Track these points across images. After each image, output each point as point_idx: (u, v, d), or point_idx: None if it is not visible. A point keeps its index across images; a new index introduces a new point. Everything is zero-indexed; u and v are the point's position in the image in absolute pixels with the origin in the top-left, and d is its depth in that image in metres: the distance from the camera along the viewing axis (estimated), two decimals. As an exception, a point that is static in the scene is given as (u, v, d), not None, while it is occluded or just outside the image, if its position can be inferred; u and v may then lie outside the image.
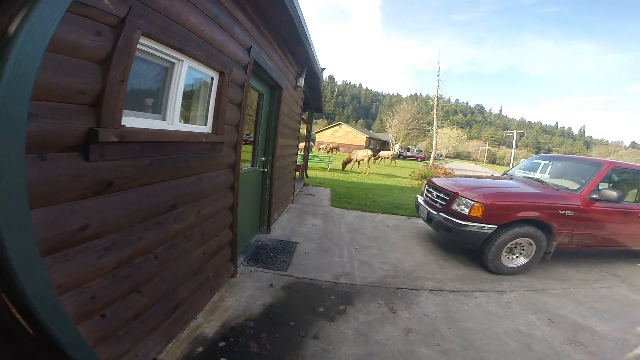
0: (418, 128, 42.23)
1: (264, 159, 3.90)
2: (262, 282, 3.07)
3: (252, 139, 3.68)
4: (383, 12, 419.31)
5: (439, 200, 4.35)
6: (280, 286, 3.05)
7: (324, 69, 6.53)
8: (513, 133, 53.89)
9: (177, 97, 1.74)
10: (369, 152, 15.47)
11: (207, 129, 2.08)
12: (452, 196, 4.06)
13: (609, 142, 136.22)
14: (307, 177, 9.59)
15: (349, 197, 7.88)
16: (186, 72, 1.80)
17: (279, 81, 3.79)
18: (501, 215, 3.72)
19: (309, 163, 14.48)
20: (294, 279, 3.25)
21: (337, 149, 31.77)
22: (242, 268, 3.32)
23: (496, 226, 3.72)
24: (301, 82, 5.17)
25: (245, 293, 2.85)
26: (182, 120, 1.90)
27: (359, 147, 35.80)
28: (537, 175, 5.36)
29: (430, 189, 4.74)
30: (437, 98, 17.67)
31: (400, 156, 40.06)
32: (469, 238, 3.81)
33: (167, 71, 1.73)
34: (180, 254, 1.95)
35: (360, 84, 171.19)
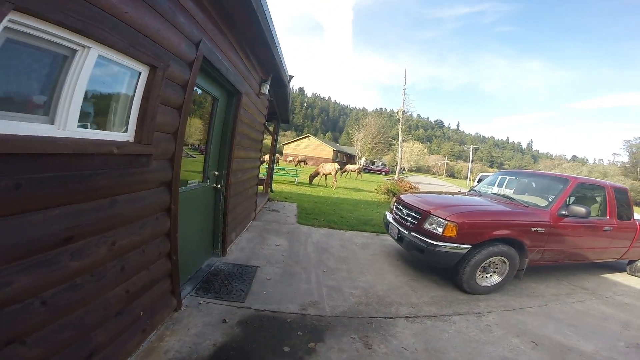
0: (383, 142, 43.33)
1: (217, 173, 3.41)
2: (214, 317, 2.59)
3: (204, 150, 3.20)
4: (355, 27, 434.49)
5: (409, 219, 4.10)
6: (236, 321, 2.58)
7: (292, 76, 6.21)
8: (470, 148, 57.40)
9: (75, 93, 1.26)
10: (336, 166, 15.32)
11: (127, 136, 1.59)
12: (424, 215, 3.83)
13: (553, 155, 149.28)
14: (271, 191, 9.09)
15: (317, 213, 7.50)
16: (93, 62, 1.34)
17: (238, 85, 3.37)
18: (475, 235, 3.54)
19: (275, 176, 13.97)
20: (253, 311, 2.78)
21: (304, 161, 31.55)
22: (189, 299, 2.81)
23: (470, 246, 3.55)
24: (265, 89, 4.79)
25: (192, 331, 2.36)
26: (91, 125, 1.42)
27: (326, 160, 35.91)
28: (502, 190, 5.37)
29: (400, 207, 4.50)
30: (403, 112, 17.98)
31: (365, 169, 40.73)
32: (443, 259, 3.59)
33: (65, 60, 1.26)
34: (88, 295, 1.50)
35: (329, 97, 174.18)
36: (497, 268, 3.82)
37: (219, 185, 3.44)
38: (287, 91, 6.24)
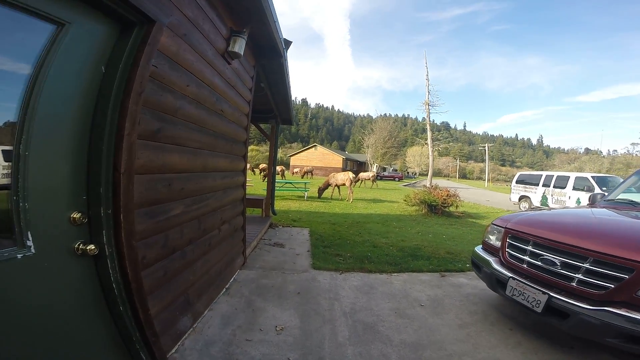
0: (396, 146, 40.65)
1: (78, 217, 1.20)
2: None
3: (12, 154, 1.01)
4: (352, 36, 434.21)
5: (578, 276, 1.85)
6: None
7: (290, 42, 4.09)
8: (485, 147, 54.50)
9: None
10: (351, 175, 13.01)
11: None
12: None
13: (566, 149, 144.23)
14: (274, 214, 6.88)
15: (338, 242, 5.23)
16: None
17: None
18: None
19: (280, 192, 11.69)
20: None
21: (311, 172, 29.39)
22: None
23: None
24: (239, 46, 2.70)
25: None
26: None
27: (336, 170, 33.64)
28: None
29: (528, 247, 2.25)
30: (429, 105, 15.53)
31: (377, 176, 38.40)
32: None
33: None
34: None
35: (333, 106, 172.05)
36: None
37: (92, 247, 1.23)
38: (282, 66, 4.10)
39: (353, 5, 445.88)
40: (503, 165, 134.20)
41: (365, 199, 13.55)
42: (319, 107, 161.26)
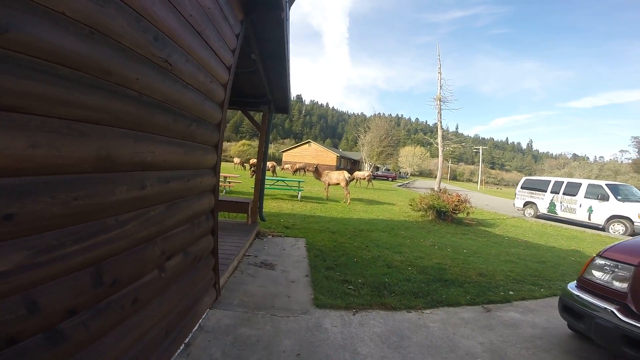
0: (392, 145, 39.51)
1: None
2: None
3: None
4: (351, 34, 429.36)
5: None
6: None
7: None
8: (479, 149, 54.29)
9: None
10: (346, 175, 11.92)
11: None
12: None
13: (554, 154, 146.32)
14: (262, 219, 5.77)
15: (343, 261, 4.16)
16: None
17: None
18: None
19: (272, 190, 10.53)
20: None
21: (303, 169, 28.21)
22: None
23: None
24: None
25: None
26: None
27: (330, 168, 32.50)
28: None
29: None
30: (440, 100, 14.44)
31: (372, 176, 37.42)
32: None
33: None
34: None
35: (327, 104, 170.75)
36: None
37: None
38: (281, 26, 2.98)
39: (354, 3, 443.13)
40: (492, 168, 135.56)
41: (362, 200, 12.53)
42: (314, 104, 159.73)
